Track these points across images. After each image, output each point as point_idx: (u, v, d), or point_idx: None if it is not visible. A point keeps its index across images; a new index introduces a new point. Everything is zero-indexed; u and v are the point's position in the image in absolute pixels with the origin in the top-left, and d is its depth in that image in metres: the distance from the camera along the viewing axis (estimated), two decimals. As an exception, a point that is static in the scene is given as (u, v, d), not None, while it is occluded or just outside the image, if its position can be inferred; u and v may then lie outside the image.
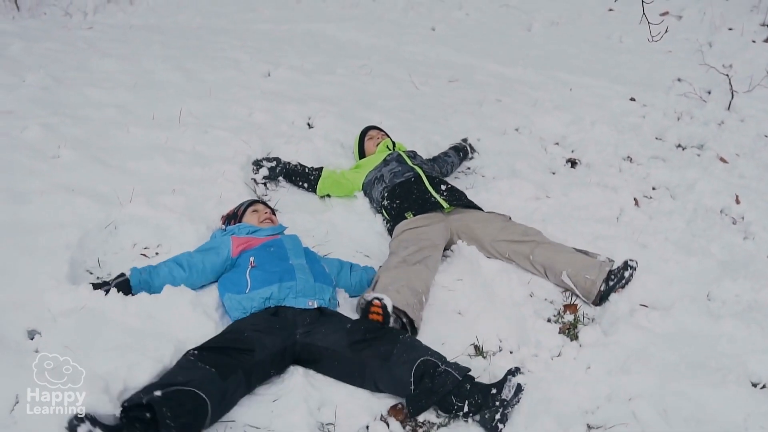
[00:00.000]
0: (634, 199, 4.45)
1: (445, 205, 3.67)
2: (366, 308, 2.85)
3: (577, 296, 3.36)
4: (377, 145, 4.32)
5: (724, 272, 3.63)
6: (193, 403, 2.21)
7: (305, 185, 4.07)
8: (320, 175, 4.03)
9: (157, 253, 3.24)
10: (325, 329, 2.67)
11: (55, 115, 4.31)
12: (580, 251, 3.44)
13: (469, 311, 3.22)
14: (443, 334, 3.07)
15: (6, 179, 3.44)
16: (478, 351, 2.98)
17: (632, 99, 6.53)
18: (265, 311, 2.74)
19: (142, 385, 2.32)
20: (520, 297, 3.13)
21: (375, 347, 2.57)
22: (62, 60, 5.49)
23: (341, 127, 4.80)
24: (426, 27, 8.76)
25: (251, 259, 2.90)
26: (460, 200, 3.74)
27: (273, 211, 3.47)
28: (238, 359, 2.44)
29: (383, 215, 3.83)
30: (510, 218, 3.69)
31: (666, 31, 4.25)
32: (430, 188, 3.76)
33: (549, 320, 3.20)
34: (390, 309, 2.84)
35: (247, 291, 2.78)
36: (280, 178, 4.10)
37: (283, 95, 5.38)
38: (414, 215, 3.59)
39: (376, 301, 2.83)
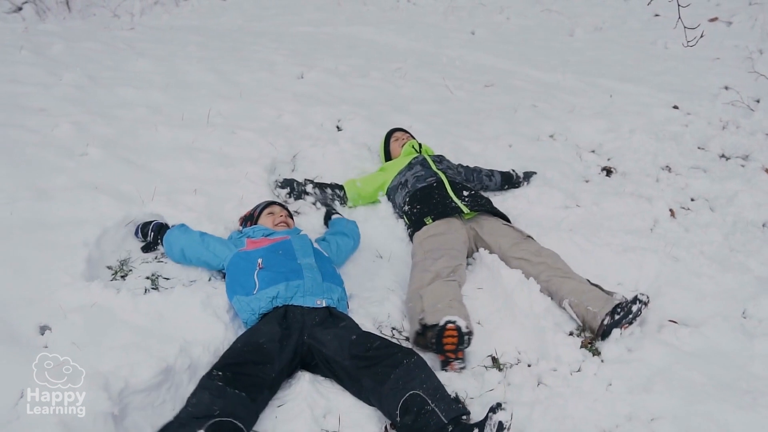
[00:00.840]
0: (670, 210, 4.28)
1: (465, 210, 3.57)
2: (440, 333, 2.74)
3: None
4: (402, 147, 4.25)
5: (762, 289, 3.43)
6: None
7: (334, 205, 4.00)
8: (347, 196, 3.93)
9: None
10: (330, 335, 2.61)
11: (87, 113, 4.37)
12: (594, 285, 3.23)
13: (488, 321, 3.12)
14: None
15: (32, 176, 3.49)
16: (495, 363, 2.88)
17: (675, 107, 6.31)
18: (274, 312, 2.70)
19: (143, 383, 2.31)
20: (541, 309, 3.01)
21: (373, 368, 2.46)
22: (100, 60, 5.59)
23: (369, 130, 4.76)
24: (465, 31, 8.68)
25: (259, 260, 2.87)
26: (482, 206, 3.64)
27: (290, 214, 3.44)
28: (262, 376, 2.42)
29: (404, 220, 3.76)
30: (528, 237, 3.52)
31: (702, 36, 4.07)
32: (451, 193, 3.67)
33: (571, 333, 3.08)
34: (464, 329, 2.75)
35: (254, 292, 2.76)
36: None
37: (313, 97, 5.36)
38: (433, 220, 3.51)
39: (451, 325, 2.73)
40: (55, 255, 2.91)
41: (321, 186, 3.95)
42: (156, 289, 2.96)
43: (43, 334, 2.52)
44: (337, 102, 5.31)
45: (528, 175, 4.45)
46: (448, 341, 2.72)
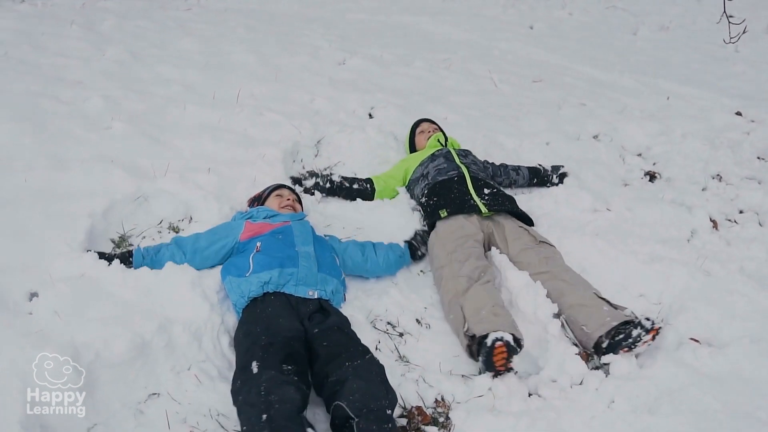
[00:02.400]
0: (713, 221, 3.99)
1: (483, 209, 3.41)
2: (490, 353, 2.59)
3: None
4: (428, 140, 4.10)
5: (803, 314, 3.14)
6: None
7: (358, 199, 3.79)
8: (374, 189, 3.77)
9: (177, 229, 3.23)
10: (317, 327, 2.53)
11: (121, 88, 4.43)
12: (602, 299, 2.94)
13: (490, 324, 2.96)
14: (459, 346, 2.84)
15: (54, 146, 3.54)
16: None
17: (738, 113, 5.92)
18: (276, 297, 2.62)
19: (116, 358, 2.29)
20: (545, 315, 2.83)
21: (322, 367, 2.35)
22: (146, 37, 5.67)
23: (401, 119, 4.63)
24: (524, 25, 8.43)
25: (258, 244, 2.80)
26: (502, 206, 3.45)
27: (299, 199, 3.36)
28: (303, 361, 2.36)
29: (420, 212, 3.63)
30: (543, 242, 3.30)
31: (744, 32, 3.74)
32: (471, 190, 3.51)
33: (576, 344, 2.88)
34: (512, 343, 2.60)
35: (247, 275, 2.69)
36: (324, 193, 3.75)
37: (351, 84, 5.28)
38: (448, 213, 3.37)
39: (499, 344, 2.57)
40: (58, 224, 2.93)
41: (348, 183, 3.76)
42: (152, 264, 2.93)
43: (31, 301, 2.53)
44: (373, 89, 5.21)
45: (556, 169, 4.22)
46: (498, 359, 2.57)
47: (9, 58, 4.70)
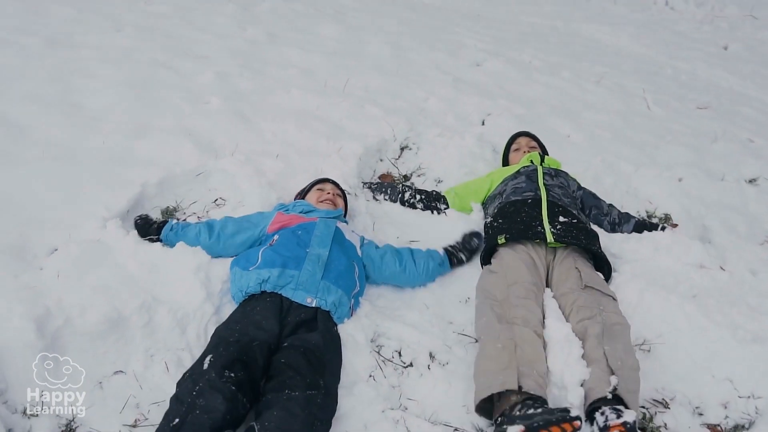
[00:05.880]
0: None
1: (549, 238, 2.93)
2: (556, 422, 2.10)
3: None
4: (521, 159, 3.64)
5: None
6: None
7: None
8: (446, 204, 3.49)
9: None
10: (291, 340, 2.32)
11: (240, 66, 4.52)
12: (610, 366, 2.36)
13: (515, 376, 2.53)
14: (470, 394, 2.46)
15: (146, 114, 3.67)
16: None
17: None
18: (272, 300, 2.46)
19: (87, 327, 2.25)
20: (572, 380, 2.35)
21: (269, 374, 2.17)
22: (292, 20, 5.77)
23: (511, 130, 4.18)
24: (717, 45, 7.41)
25: (275, 237, 2.66)
26: (575, 239, 2.93)
27: (343, 194, 3.16)
28: (258, 380, 2.20)
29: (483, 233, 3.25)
30: (588, 287, 2.74)
31: None
32: (544, 215, 3.04)
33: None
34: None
35: (251, 269, 2.55)
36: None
37: (476, 86, 4.94)
38: (506, 240, 2.95)
39: (577, 423, 2.09)
40: (109, 187, 3.00)
41: (421, 193, 3.52)
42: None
43: (49, 256, 2.59)
44: (498, 95, 4.83)
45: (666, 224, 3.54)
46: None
47: (155, 29, 5.00)
